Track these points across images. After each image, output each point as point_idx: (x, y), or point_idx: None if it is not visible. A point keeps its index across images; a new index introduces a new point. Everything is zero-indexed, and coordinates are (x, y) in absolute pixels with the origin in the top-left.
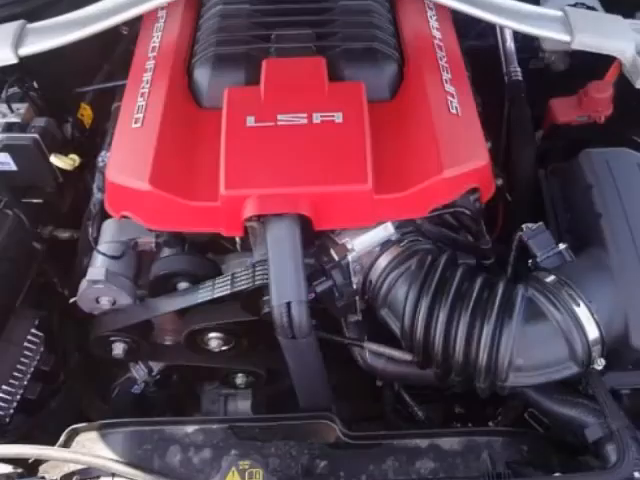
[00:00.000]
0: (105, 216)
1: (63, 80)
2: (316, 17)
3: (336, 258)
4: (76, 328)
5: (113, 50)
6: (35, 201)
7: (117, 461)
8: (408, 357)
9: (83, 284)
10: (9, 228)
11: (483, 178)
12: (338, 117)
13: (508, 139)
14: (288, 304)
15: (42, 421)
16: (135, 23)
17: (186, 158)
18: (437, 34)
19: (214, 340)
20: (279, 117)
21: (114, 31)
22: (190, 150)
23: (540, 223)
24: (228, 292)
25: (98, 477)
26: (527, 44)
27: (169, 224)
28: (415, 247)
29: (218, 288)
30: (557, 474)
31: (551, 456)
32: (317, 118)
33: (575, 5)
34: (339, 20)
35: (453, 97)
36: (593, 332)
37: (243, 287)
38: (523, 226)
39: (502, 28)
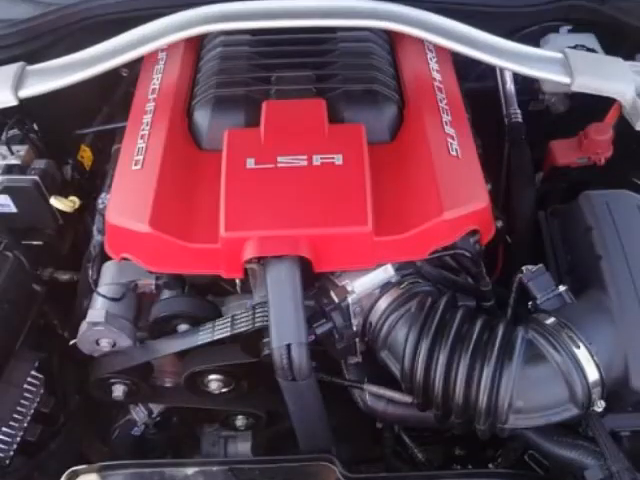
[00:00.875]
0: (105, 258)
1: (63, 122)
2: (316, 59)
3: (336, 300)
4: (76, 370)
5: (113, 92)
6: (35, 243)
7: None
8: (408, 399)
9: (83, 326)
10: (9, 270)
11: (483, 220)
12: (338, 159)
13: (508, 181)
14: (288, 346)
15: (42, 463)
16: (135, 65)
17: (186, 200)
18: (437, 76)
19: (214, 382)
20: (279, 159)
21: (114, 73)
22: (190, 192)
23: (540, 265)
24: (228, 334)
25: None
26: (527, 86)
27: (169, 266)
28: (415, 289)
29: (218, 330)
30: None
31: None
32: (317, 160)
33: (575, 47)
34: (339, 62)
35: (453, 139)
36: (593, 374)
37: (243, 329)
38: (523, 268)
39: (502, 70)
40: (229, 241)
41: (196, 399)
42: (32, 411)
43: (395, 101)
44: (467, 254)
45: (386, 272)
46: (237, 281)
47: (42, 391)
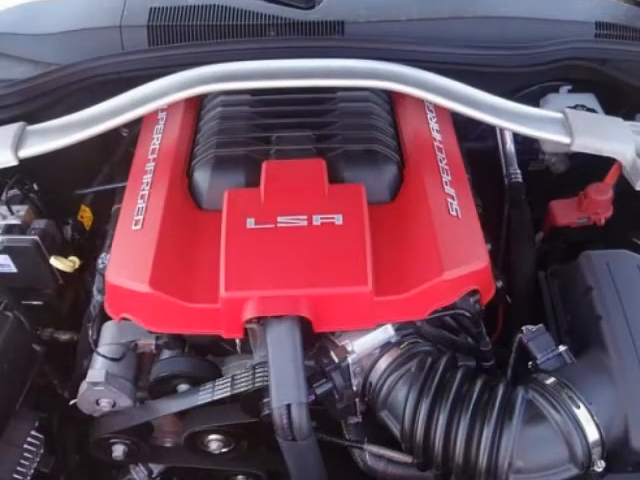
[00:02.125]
0: (105, 318)
1: (63, 182)
2: (316, 119)
3: (336, 360)
4: (76, 430)
5: (113, 152)
6: (35, 303)
7: None
8: (408, 459)
9: (83, 386)
10: (9, 330)
11: (483, 280)
12: (338, 219)
13: (508, 241)
14: (288, 406)
15: None
16: (135, 125)
17: (186, 260)
18: (437, 136)
19: (214, 442)
20: (279, 219)
21: (114, 133)
22: (190, 252)
23: (540, 325)
24: (228, 394)
25: None
26: (527, 146)
27: (169, 326)
28: (415, 349)
29: (218, 390)
30: None
31: None
32: (317, 220)
33: (575, 107)
34: (339, 122)
35: (453, 199)
36: (593, 434)
37: (243, 389)
38: (523, 328)
39: (502, 130)
40: (229, 301)
41: (196, 459)
42: (32, 471)
43: (395, 161)
44: (467, 314)
45: (386, 332)
46: (237, 341)
47: (42, 451)
